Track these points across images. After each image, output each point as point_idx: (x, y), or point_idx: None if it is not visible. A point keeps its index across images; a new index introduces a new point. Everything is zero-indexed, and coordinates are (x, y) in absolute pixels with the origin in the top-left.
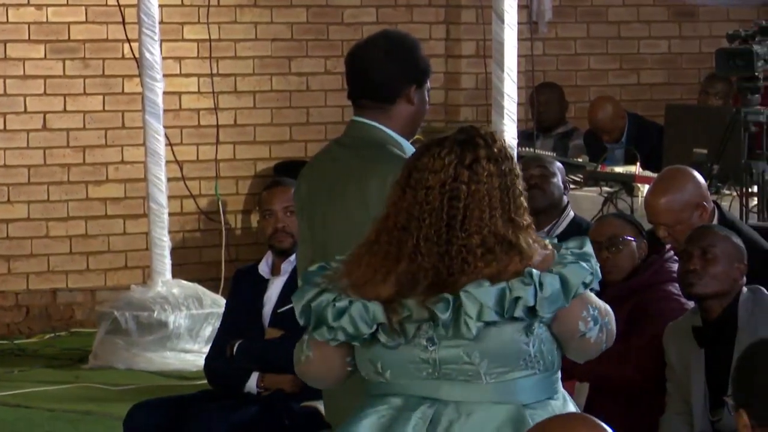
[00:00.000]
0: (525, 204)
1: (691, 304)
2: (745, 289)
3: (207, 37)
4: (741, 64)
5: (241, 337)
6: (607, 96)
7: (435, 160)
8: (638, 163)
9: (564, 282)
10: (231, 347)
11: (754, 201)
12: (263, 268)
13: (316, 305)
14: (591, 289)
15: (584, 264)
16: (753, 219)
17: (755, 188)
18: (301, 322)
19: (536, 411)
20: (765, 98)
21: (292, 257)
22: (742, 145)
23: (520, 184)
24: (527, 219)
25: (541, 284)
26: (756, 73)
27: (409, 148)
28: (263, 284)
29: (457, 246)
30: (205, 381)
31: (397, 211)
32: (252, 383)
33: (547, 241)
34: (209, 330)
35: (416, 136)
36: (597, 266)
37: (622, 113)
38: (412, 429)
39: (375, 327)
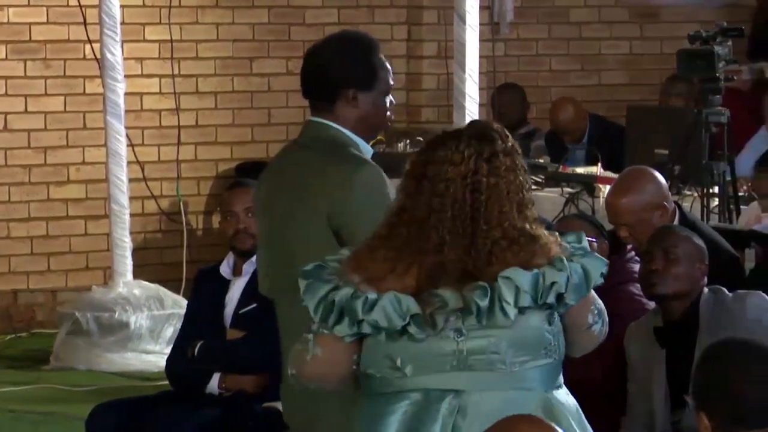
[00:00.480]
0: (532, 200)
1: (652, 304)
2: (706, 289)
3: (168, 37)
4: (702, 65)
5: (202, 338)
6: (569, 97)
7: (453, 153)
8: (599, 164)
9: (586, 272)
10: (192, 348)
11: (715, 202)
12: (225, 269)
13: (341, 299)
14: None
15: (600, 257)
16: (714, 220)
17: (716, 189)
18: (316, 318)
19: (555, 396)
20: (726, 99)
21: (254, 258)
22: (703, 146)
23: (528, 180)
24: (535, 214)
25: (572, 273)
26: (717, 74)
27: (365, 148)
28: (225, 285)
29: (482, 239)
30: (167, 382)
31: (414, 204)
32: (214, 384)
33: (558, 237)
34: (171, 331)
35: (378, 137)
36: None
37: (583, 114)
38: (442, 421)
39: (408, 320)
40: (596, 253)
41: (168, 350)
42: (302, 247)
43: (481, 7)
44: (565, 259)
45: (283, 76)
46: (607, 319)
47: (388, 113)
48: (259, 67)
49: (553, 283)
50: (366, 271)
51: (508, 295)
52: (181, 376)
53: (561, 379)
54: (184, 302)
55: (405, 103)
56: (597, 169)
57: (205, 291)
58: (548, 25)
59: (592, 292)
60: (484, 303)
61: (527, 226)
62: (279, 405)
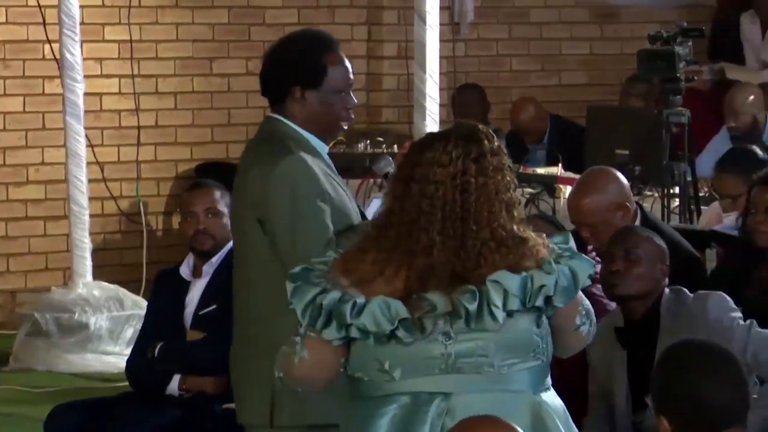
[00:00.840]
0: (518, 200)
1: (613, 305)
2: (667, 290)
3: (128, 37)
4: (663, 65)
5: (162, 339)
6: (529, 97)
7: (441, 154)
8: (560, 164)
9: (574, 274)
10: (152, 349)
11: (676, 202)
12: (184, 270)
13: (329, 303)
14: None
15: (588, 258)
16: (675, 220)
17: (677, 189)
18: (304, 321)
19: (542, 399)
20: (686, 99)
21: (214, 259)
22: (663, 146)
23: (514, 180)
24: (522, 214)
25: (560, 276)
26: (678, 74)
27: (317, 145)
28: (185, 286)
29: (471, 240)
30: (127, 383)
31: (403, 206)
32: (174, 386)
33: (545, 239)
34: (130, 332)
35: (340, 138)
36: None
37: (543, 114)
38: (431, 423)
39: (396, 324)
40: (583, 255)
41: (128, 351)
42: (240, 243)
43: (442, 8)
44: (553, 261)
45: (243, 76)
46: (594, 320)
47: (343, 112)
48: (219, 68)
49: (541, 287)
50: (354, 274)
51: (497, 299)
52: (141, 377)
53: (549, 381)
54: (144, 303)
55: (365, 103)
56: (558, 170)
57: (164, 292)
58: (509, 26)
59: (580, 293)
60: (472, 307)
61: (515, 227)
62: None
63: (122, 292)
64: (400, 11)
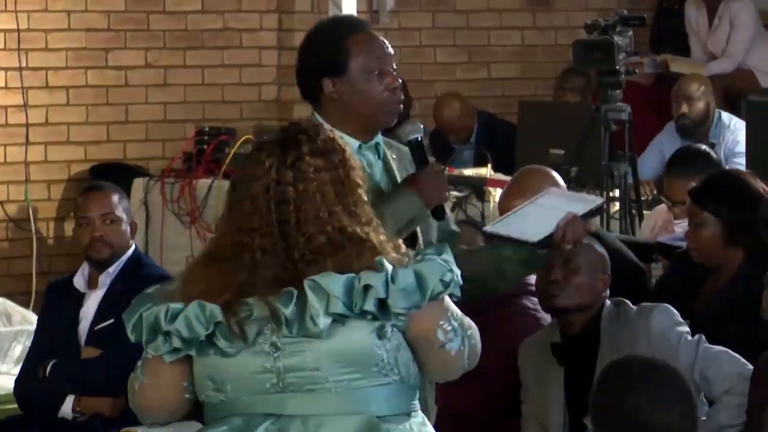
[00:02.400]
0: (364, 197)
1: (548, 318)
2: (608, 302)
3: (15, 26)
4: (600, 56)
5: (54, 357)
6: (454, 93)
7: (256, 167)
8: (490, 165)
9: (419, 277)
10: (44, 368)
11: (616, 206)
12: (79, 281)
13: (148, 315)
14: (452, 298)
15: (442, 261)
16: (615, 226)
17: (617, 192)
18: (133, 338)
19: (392, 424)
20: (627, 94)
21: (111, 269)
22: (602, 145)
23: (357, 176)
24: (369, 214)
25: (393, 276)
26: (617, 67)
27: (350, 143)
28: (79, 298)
29: (299, 250)
30: (16, 405)
31: (228, 227)
32: (67, 407)
33: (401, 244)
34: (19, 349)
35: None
36: (458, 273)
37: (470, 111)
38: None
39: (212, 328)
40: (452, 266)
41: (16, 370)
42: None
43: None
44: (387, 262)
45: (142, 69)
46: (473, 340)
47: (385, 93)
48: (115, 60)
49: (367, 287)
50: (187, 291)
51: (316, 302)
52: (32, 398)
53: (414, 405)
54: (34, 317)
55: (276, 98)
56: (487, 171)
57: (56, 305)
58: (432, 14)
59: (452, 307)
60: (288, 310)
61: (357, 228)
62: (139, 430)
63: (9, 305)
64: None
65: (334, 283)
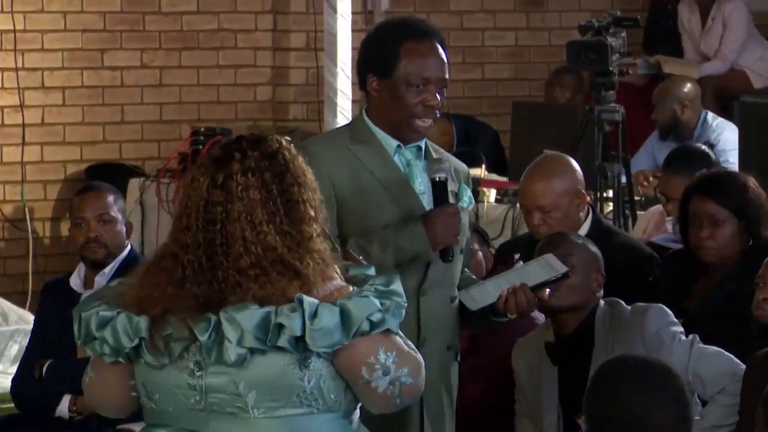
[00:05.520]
0: (310, 213)
1: (542, 318)
2: (602, 302)
3: (11, 27)
4: (594, 57)
5: (51, 357)
6: None
7: (193, 183)
8: (484, 166)
9: (345, 315)
10: (40, 367)
11: (610, 206)
12: (75, 281)
13: (86, 316)
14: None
15: (375, 299)
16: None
17: (610, 193)
18: (77, 337)
19: None
20: (620, 95)
21: (107, 269)
22: (595, 145)
23: (301, 192)
24: (310, 230)
25: (315, 314)
26: (610, 68)
27: (385, 141)
28: (75, 298)
29: (223, 271)
30: (12, 405)
31: (171, 238)
32: (64, 407)
33: (339, 270)
34: (16, 349)
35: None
36: (401, 306)
37: (446, 129)
38: None
39: (137, 341)
40: (395, 298)
41: (13, 370)
42: None
43: None
44: (308, 299)
45: (137, 69)
46: (409, 379)
47: (417, 107)
48: (111, 60)
49: (280, 326)
50: (129, 295)
51: (231, 334)
52: (28, 398)
53: None
54: (31, 317)
55: (271, 99)
56: (481, 172)
57: (53, 305)
58: (427, 14)
59: (390, 342)
60: (204, 337)
61: (286, 251)
62: (135, 427)
63: (6, 305)
64: None
65: (249, 317)
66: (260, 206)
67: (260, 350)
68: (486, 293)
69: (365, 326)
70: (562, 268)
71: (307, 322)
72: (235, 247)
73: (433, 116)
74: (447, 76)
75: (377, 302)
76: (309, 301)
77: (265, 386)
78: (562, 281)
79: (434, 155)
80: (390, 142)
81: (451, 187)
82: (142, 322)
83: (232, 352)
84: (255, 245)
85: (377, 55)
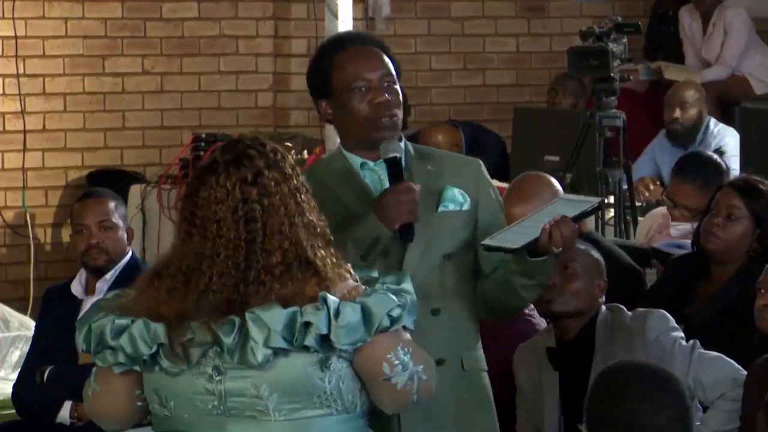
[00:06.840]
0: (312, 202)
1: (543, 323)
2: (604, 308)
3: (12, 33)
4: (595, 63)
5: (52, 363)
6: (439, 125)
7: (216, 190)
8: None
9: (366, 312)
10: (42, 373)
11: (611, 213)
12: (76, 288)
13: (96, 327)
14: (405, 329)
15: (392, 295)
16: (609, 232)
17: (611, 198)
18: (83, 347)
19: None
20: (621, 101)
21: (108, 275)
22: (597, 151)
23: (302, 193)
24: (327, 232)
25: (337, 312)
26: (612, 74)
27: (351, 159)
28: (76, 305)
29: (255, 270)
30: (13, 411)
31: (182, 254)
32: (65, 413)
33: (351, 270)
34: (17, 355)
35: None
36: (412, 303)
37: (455, 138)
38: None
39: (155, 348)
40: (407, 296)
41: (14, 376)
42: None
43: (355, 1)
44: (331, 297)
45: (138, 75)
46: (425, 376)
47: (367, 108)
48: (112, 66)
49: (308, 324)
50: (137, 305)
51: (257, 335)
52: (30, 404)
53: None
54: (32, 323)
55: (272, 105)
56: None
57: (54, 311)
58: (428, 21)
59: (405, 339)
60: (229, 339)
61: (309, 247)
62: None
63: (7, 311)
64: (309, 5)
65: (276, 317)
66: (291, 198)
67: (283, 351)
68: (520, 233)
69: (386, 322)
70: (594, 199)
71: (332, 320)
72: (272, 243)
73: (391, 111)
74: (392, 70)
75: (394, 298)
76: (332, 299)
77: (287, 388)
78: (596, 212)
79: (421, 164)
80: (355, 161)
81: (437, 188)
82: (160, 328)
83: (258, 352)
84: (289, 239)
85: (315, 78)
